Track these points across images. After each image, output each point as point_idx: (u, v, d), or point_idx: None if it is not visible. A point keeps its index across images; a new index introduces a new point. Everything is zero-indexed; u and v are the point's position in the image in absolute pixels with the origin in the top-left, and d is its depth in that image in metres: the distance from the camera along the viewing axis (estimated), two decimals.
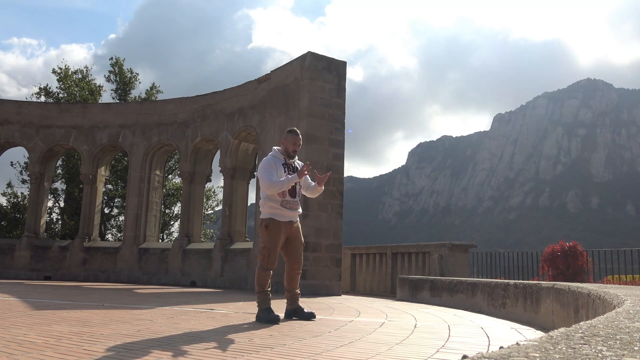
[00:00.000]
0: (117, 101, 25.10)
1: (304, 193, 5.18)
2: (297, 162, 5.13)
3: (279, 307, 5.01)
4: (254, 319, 4.88)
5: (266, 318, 4.64)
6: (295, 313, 4.93)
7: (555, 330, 1.62)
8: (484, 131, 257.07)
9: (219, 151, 14.13)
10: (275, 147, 5.10)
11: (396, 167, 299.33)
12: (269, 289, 4.91)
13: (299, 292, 5.06)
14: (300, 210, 5.06)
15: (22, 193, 24.36)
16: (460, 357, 1.74)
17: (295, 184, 4.91)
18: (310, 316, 4.89)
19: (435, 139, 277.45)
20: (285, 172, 4.90)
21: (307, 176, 5.15)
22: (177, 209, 26.00)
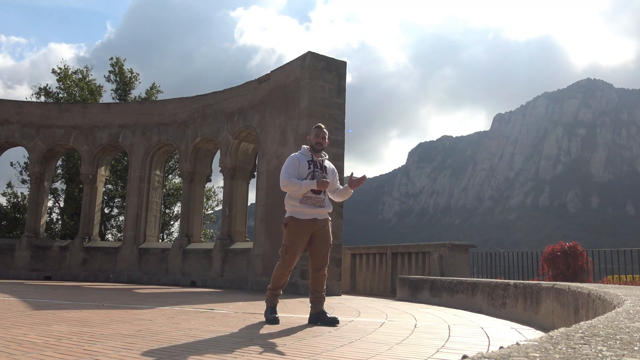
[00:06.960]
0: (117, 101, 25.10)
1: (331, 197, 4.97)
2: (327, 162, 4.95)
3: (285, 306, 5.00)
4: (254, 319, 4.88)
5: (267, 317, 4.66)
6: (319, 318, 4.66)
7: (555, 330, 1.62)
8: (484, 131, 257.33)
9: (219, 151, 14.13)
10: (304, 146, 4.98)
11: (396, 167, 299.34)
12: (281, 291, 4.84)
13: (323, 294, 4.76)
14: (327, 207, 4.81)
15: (22, 193, 24.38)
16: (460, 357, 1.74)
17: (324, 178, 4.73)
18: (333, 322, 4.59)
19: (435, 139, 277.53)
20: (309, 168, 4.74)
21: (334, 179, 4.98)
22: (177, 209, 26.00)
